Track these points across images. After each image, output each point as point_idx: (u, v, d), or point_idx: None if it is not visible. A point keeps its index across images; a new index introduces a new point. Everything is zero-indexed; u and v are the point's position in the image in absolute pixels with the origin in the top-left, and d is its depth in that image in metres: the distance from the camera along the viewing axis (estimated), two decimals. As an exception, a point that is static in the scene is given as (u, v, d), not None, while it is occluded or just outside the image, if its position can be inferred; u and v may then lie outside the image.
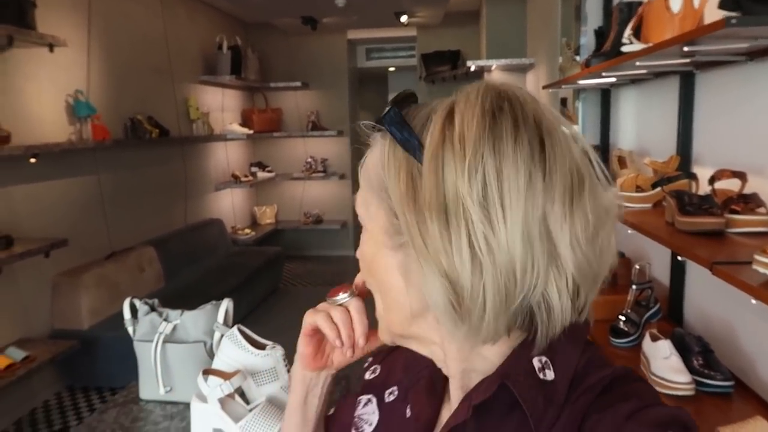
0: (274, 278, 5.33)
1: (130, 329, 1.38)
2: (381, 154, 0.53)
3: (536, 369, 0.51)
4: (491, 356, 0.54)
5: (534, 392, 0.49)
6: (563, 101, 3.49)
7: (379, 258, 0.55)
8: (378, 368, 0.76)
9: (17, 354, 2.73)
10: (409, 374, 0.68)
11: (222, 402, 1.13)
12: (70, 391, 3.33)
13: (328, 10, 5.30)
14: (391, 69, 7.74)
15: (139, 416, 1.35)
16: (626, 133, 2.59)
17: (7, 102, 2.93)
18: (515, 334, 0.52)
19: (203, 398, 1.15)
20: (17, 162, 2.92)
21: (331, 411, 0.82)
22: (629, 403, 0.47)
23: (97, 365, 3.25)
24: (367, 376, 0.76)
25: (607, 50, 2.07)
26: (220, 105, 5.65)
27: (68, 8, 3.45)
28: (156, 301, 1.42)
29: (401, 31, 6.28)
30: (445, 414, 0.61)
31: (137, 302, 1.40)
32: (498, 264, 0.46)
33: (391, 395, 0.70)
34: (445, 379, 0.62)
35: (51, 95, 3.29)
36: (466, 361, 0.55)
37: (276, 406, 1.18)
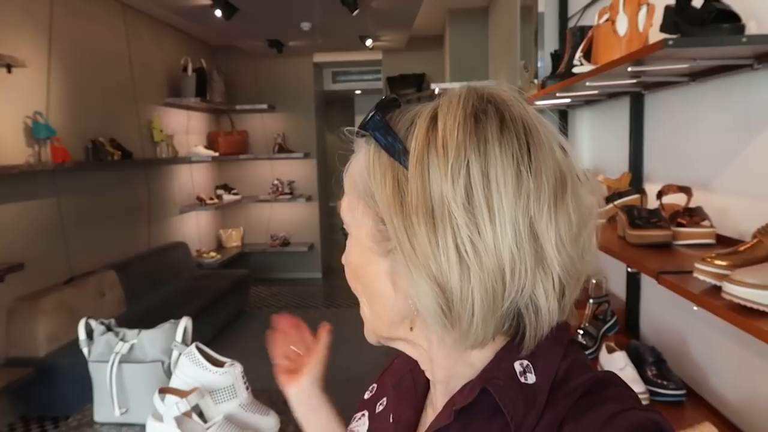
0: (240, 301, 5.27)
1: (85, 350, 1.36)
2: (366, 159, 0.53)
3: (517, 373, 0.51)
4: (476, 362, 0.54)
5: (514, 396, 0.49)
6: (524, 123, 3.57)
7: (366, 264, 0.55)
8: (375, 387, 0.76)
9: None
10: (392, 377, 0.69)
11: (178, 421, 1.11)
12: (24, 422, 3.21)
13: (293, 34, 5.35)
14: (358, 92, 7.83)
15: (94, 440, 1.32)
16: (582, 152, 2.67)
17: (-39, 123, 2.87)
18: (500, 338, 0.53)
19: (159, 417, 1.13)
20: (-28, 184, 2.85)
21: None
22: (607, 407, 0.47)
23: (54, 393, 3.14)
24: (366, 396, 0.77)
25: (561, 72, 2.14)
26: (185, 127, 5.62)
27: (28, 28, 3.41)
28: (113, 321, 1.40)
29: (367, 54, 6.37)
30: (428, 417, 0.61)
31: (93, 322, 1.38)
32: (485, 267, 0.46)
33: (380, 406, 0.71)
34: (428, 383, 0.63)
35: (9, 116, 3.23)
36: (452, 368, 0.56)
37: (234, 423, 1.17)
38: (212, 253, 5.80)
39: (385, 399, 0.71)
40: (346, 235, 0.58)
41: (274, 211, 6.62)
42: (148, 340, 1.34)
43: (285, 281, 6.54)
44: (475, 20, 5.10)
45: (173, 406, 1.10)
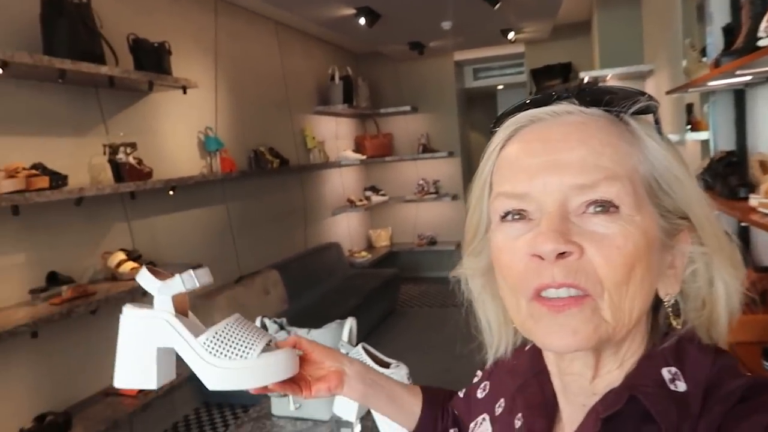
0: (391, 300, 5.40)
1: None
2: (660, 151, 0.53)
3: (666, 380, 0.49)
4: (625, 367, 0.54)
5: (666, 404, 0.47)
6: (689, 107, 3.25)
7: (647, 255, 0.50)
8: (487, 384, 0.76)
9: (161, 371, 2.97)
10: (515, 380, 0.67)
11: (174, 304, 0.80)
12: (207, 407, 3.55)
13: (434, 34, 5.37)
14: (500, 87, 7.66)
15: (272, 431, 1.41)
16: (764, 134, 2.36)
17: (148, 141, 3.24)
18: (640, 344, 0.54)
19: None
20: (158, 195, 3.21)
21: (463, 391, 0.88)
22: (766, 415, 0.44)
23: (229, 383, 3.44)
24: (479, 395, 0.77)
25: (740, 47, 1.90)
26: (334, 133, 5.88)
27: (198, 53, 3.78)
28: (284, 320, 1.48)
29: (508, 48, 6.21)
30: (563, 428, 0.59)
31: (267, 321, 1.47)
32: None
33: (499, 408, 0.70)
34: (554, 393, 0.61)
35: (185, 133, 3.60)
36: (607, 374, 0.54)
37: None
38: (363, 253, 6.01)
39: (503, 401, 0.69)
40: (602, 210, 0.49)
41: (420, 211, 6.70)
42: (317, 339, 1.40)
43: (433, 280, 6.59)
44: (625, 1, 4.75)
45: (176, 279, 0.78)
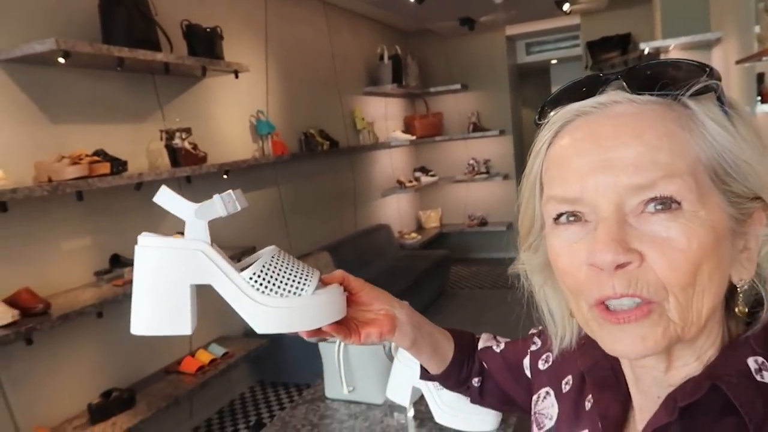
0: (441, 281, 5.37)
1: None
2: (724, 131, 0.47)
3: (752, 370, 0.46)
4: (705, 357, 0.51)
5: (752, 395, 0.45)
6: (760, 77, 3.06)
7: (716, 253, 0.46)
8: (549, 356, 0.74)
9: (218, 350, 3.06)
10: (585, 363, 0.64)
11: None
12: (262, 386, 3.65)
13: (485, 8, 5.23)
14: (554, 61, 7.41)
15: (326, 414, 1.42)
16: None
17: (202, 126, 3.30)
18: (720, 331, 0.51)
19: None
20: (213, 178, 3.28)
21: (501, 346, 0.88)
22: None
23: (284, 363, 3.52)
24: (541, 366, 0.75)
25: (822, 11, 1.77)
26: (383, 114, 5.85)
27: (249, 37, 3.80)
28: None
29: (563, 20, 5.99)
30: (637, 414, 0.57)
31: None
32: None
33: (566, 385, 0.68)
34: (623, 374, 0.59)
35: (238, 117, 3.65)
36: (682, 364, 0.52)
37: (455, 409, 1.17)
38: (413, 234, 6.00)
39: (570, 378, 0.67)
40: (662, 209, 0.45)
41: (470, 191, 6.61)
42: (370, 323, 1.40)
43: (483, 261, 6.52)
44: (691, -35, 4.49)
45: (217, 200, 0.67)
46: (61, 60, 2.31)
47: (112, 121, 2.76)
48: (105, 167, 2.43)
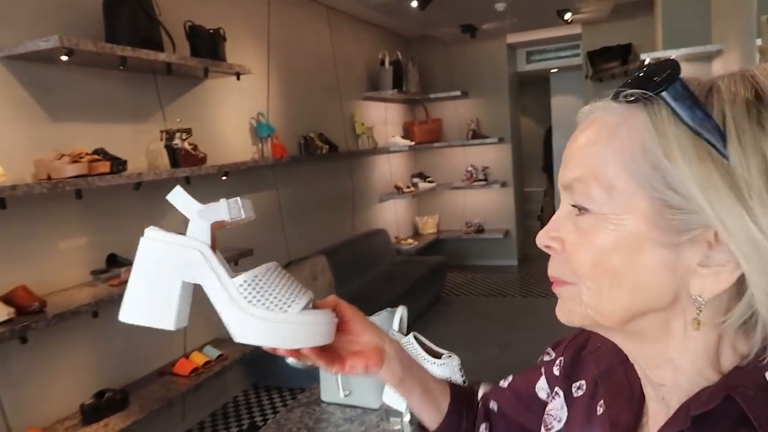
0: (438, 287, 5.37)
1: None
2: (647, 130, 0.46)
3: None
4: (724, 367, 0.50)
5: (767, 409, 0.44)
6: (760, 90, 3.08)
7: (627, 252, 0.48)
8: (561, 360, 0.74)
9: (213, 352, 3.05)
10: (599, 368, 0.64)
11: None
12: (256, 390, 3.63)
13: (487, 16, 5.26)
14: (554, 70, 7.45)
15: (322, 417, 1.42)
16: None
17: (203, 127, 3.30)
18: (744, 344, 0.49)
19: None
20: (212, 180, 3.27)
21: (509, 380, 0.86)
22: None
23: (279, 367, 3.51)
24: (555, 371, 0.75)
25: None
26: (383, 119, 5.86)
27: (251, 39, 3.81)
28: (335, 307, 1.48)
29: (564, 29, 6.02)
30: (650, 422, 0.57)
31: (318, 308, 1.48)
32: None
33: (579, 390, 0.68)
34: (639, 381, 0.59)
35: (237, 119, 3.65)
36: (691, 373, 0.51)
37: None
38: (410, 240, 6.00)
39: (584, 383, 0.67)
40: (579, 212, 0.52)
41: (468, 198, 6.62)
42: (368, 327, 1.40)
43: (480, 268, 6.53)
44: (692, -23, 4.52)
45: (222, 203, 0.68)
46: (64, 58, 2.31)
47: (112, 121, 2.76)
48: (105, 166, 2.43)
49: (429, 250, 6.17)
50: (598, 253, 0.49)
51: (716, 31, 4.29)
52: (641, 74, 0.47)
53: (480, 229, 6.47)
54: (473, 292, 5.65)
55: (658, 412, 0.55)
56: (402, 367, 0.76)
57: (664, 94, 0.46)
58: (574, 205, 0.51)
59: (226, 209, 0.66)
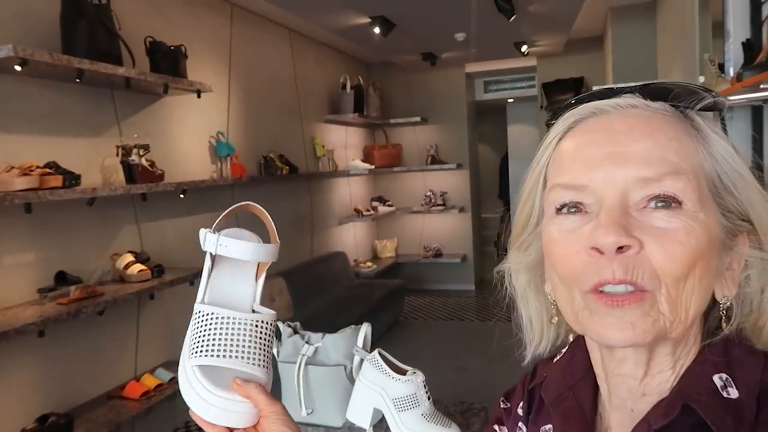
0: (396, 310, 5.36)
1: (275, 350, 1.43)
2: (723, 147, 0.52)
3: (718, 387, 0.48)
4: (679, 373, 0.52)
5: (721, 412, 0.46)
6: (704, 123, 3.24)
7: (709, 254, 0.49)
8: (522, 402, 0.72)
9: (165, 375, 2.94)
10: (548, 397, 0.64)
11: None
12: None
13: (447, 45, 5.38)
14: (510, 100, 7.66)
15: (282, 437, 1.39)
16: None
17: (161, 144, 3.24)
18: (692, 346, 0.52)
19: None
20: (169, 198, 3.20)
21: None
22: None
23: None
24: (520, 411, 0.73)
25: (763, 61, 1.91)
26: (343, 142, 5.88)
27: (212, 57, 3.79)
28: (298, 324, 1.47)
29: (520, 61, 6.22)
30: None
31: (281, 324, 1.45)
32: None
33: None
34: (593, 404, 0.59)
35: (197, 137, 3.60)
36: (663, 381, 0.53)
37: (418, 433, 1.16)
38: (368, 263, 5.99)
39: (550, 427, 0.66)
40: (664, 206, 0.48)
41: (426, 223, 6.68)
42: (331, 343, 1.38)
43: (437, 292, 6.56)
44: (639, 17, 4.77)
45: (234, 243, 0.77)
46: (18, 68, 2.24)
47: (66, 134, 2.68)
48: (57, 180, 2.34)
49: (387, 273, 6.16)
50: (695, 253, 0.47)
51: (662, 68, 4.51)
52: (706, 92, 0.52)
53: (438, 254, 6.51)
54: (431, 316, 5.66)
55: (619, 422, 0.56)
56: None
57: (722, 113, 0.52)
58: (666, 197, 0.48)
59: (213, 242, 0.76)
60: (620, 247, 0.47)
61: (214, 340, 0.66)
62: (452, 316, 5.61)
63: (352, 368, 1.37)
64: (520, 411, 0.73)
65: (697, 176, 0.49)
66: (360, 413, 1.26)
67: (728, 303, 0.51)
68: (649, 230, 0.47)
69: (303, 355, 1.38)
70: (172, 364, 3.16)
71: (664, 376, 0.52)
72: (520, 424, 0.71)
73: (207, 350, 0.66)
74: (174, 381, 2.92)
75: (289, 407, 1.42)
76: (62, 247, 2.63)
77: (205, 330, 0.66)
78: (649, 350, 0.52)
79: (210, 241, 0.67)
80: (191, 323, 0.68)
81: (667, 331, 0.48)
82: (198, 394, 0.65)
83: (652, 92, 0.52)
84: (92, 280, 2.73)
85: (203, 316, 0.67)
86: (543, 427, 0.64)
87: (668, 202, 0.48)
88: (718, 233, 0.49)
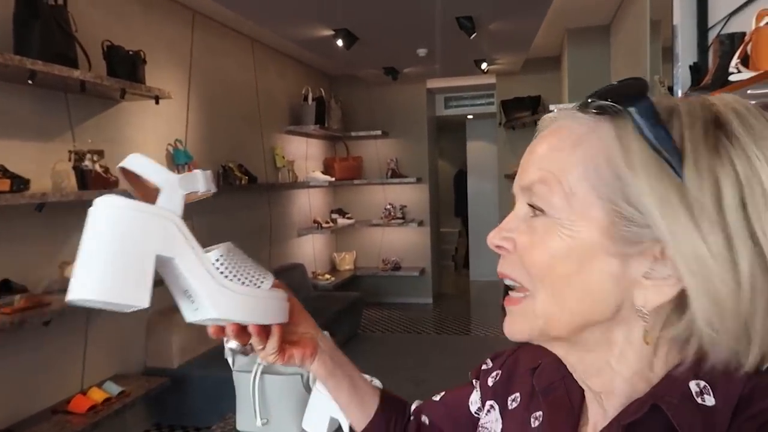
0: (354, 323, 5.34)
1: (230, 359, 1.41)
2: (613, 143, 0.48)
3: (693, 393, 0.47)
4: (653, 378, 0.51)
5: (690, 417, 0.46)
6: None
7: (579, 259, 0.49)
8: (499, 373, 0.74)
9: (114, 389, 2.85)
10: (540, 384, 0.65)
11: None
12: (158, 429, 3.41)
13: (409, 60, 5.45)
14: (470, 116, 7.79)
15: (236, 448, 1.36)
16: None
17: (117, 150, 3.16)
18: (674, 355, 0.51)
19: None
20: (122, 205, 3.12)
21: (442, 394, 0.86)
22: None
23: (185, 404, 3.33)
24: (489, 382, 0.75)
25: (708, 83, 1.99)
26: (304, 153, 5.86)
27: (172, 64, 3.73)
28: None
29: (480, 78, 6.34)
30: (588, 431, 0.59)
31: (237, 333, 1.43)
32: (758, 285, 0.45)
33: (513, 402, 0.69)
34: (582, 397, 0.60)
35: (154, 144, 3.53)
36: (631, 383, 0.53)
37: None
38: (327, 275, 5.95)
39: (518, 396, 0.68)
40: (534, 213, 0.53)
41: (386, 236, 6.70)
42: (288, 352, 1.37)
43: (396, 305, 6.56)
44: (595, 39, 4.95)
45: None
46: (-35, 67, 2.16)
47: (15, 137, 2.59)
48: (4, 184, 2.26)
49: (346, 286, 6.14)
50: (551, 256, 0.50)
51: (616, 87, 4.67)
52: (611, 87, 0.49)
53: (397, 267, 6.53)
54: (389, 329, 5.66)
55: (600, 419, 0.56)
56: (333, 361, 0.79)
57: (632, 109, 0.47)
58: (531, 205, 0.52)
59: (203, 180, 0.64)
60: (498, 246, 0.54)
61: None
62: (410, 329, 5.62)
63: (308, 377, 1.35)
64: (490, 381, 0.74)
65: (571, 183, 0.49)
66: (316, 423, 1.25)
67: (646, 312, 0.49)
68: (524, 232, 0.53)
69: (259, 364, 1.36)
70: (122, 377, 3.07)
71: (623, 376, 0.52)
72: (491, 401, 0.72)
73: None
74: (123, 395, 2.84)
75: (244, 417, 1.40)
76: (8, 254, 2.53)
77: (241, 258, 0.68)
78: (568, 347, 0.54)
79: (208, 178, 0.65)
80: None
81: (547, 330, 0.52)
82: (247, 295, 0.64)
83: (585, 104, 0.51)
84: (39, 290, 2.63)
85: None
86: (534, 414, 0.64)
87: (536, 210, 0.52)
88: (597, 240, 0.48)
